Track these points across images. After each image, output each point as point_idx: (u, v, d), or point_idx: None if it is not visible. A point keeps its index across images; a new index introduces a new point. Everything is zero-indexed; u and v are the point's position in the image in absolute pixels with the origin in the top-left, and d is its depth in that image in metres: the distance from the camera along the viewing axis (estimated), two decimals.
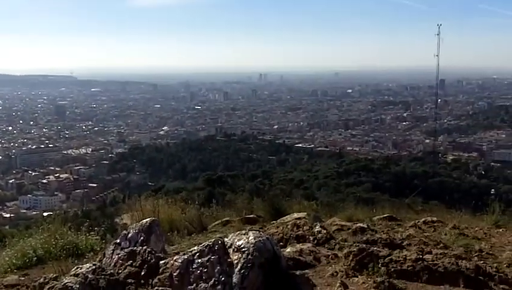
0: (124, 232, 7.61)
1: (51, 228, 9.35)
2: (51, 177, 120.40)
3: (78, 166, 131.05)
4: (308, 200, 14.31)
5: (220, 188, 64.99)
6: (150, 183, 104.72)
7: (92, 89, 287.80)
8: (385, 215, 10.45)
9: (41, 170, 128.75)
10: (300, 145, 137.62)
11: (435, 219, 9.66)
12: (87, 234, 9.63)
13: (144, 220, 7.74)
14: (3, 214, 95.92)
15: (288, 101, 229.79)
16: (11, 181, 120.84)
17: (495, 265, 6.61)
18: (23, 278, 7.13)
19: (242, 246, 6.13)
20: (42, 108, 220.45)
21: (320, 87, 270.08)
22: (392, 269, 6.40)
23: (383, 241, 7.45)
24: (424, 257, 6.59)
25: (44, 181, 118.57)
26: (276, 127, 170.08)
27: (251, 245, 6.08)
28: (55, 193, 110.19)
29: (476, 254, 7.19)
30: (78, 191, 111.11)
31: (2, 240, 11.32)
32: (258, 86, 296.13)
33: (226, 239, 6.41)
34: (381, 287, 5.98)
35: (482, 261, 6.76)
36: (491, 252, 7.37)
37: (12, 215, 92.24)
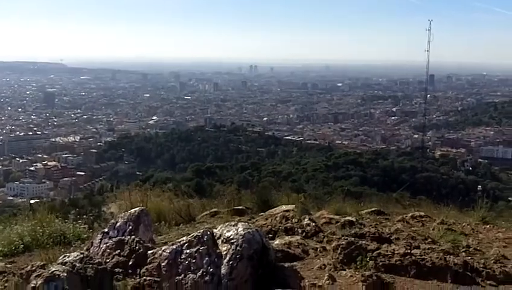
0: (112, 221, 7.58)
1: (38, 215, 9.28)
2: (39, 164, 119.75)
3: (66, 154, 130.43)
4: (296, 193, 14.27)
5: (209, 179, 65.14)
6: (138, 173, 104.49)
7: (82, 77, 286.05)
8: (373, 209, 10.46)
9: (29, 157, 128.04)
10: (289, 137, 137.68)
11: (422, 213, 9.68)
12: (75, 223, 9.57)
13: (133, 210, 7.70)
14: None
15: (278, 93, 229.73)
16: None
17: (482, 261, 6.64)
18: (9, 266, 7.08)
19: (231, 237, 6.11)
20: (31, 95, 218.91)
21: (310, 80, 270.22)
22: (380, 263, 6.41)
23: (371, 235, 7.46)
24: (412, 251, 6.61)
25: (32, 168, 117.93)
26: (265, 119, 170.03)
27: (240, 237, 6.07)
28: (43, 180, 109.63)
29: (464, 249, 7.22)
30: (66, 179, 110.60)
31: None
32: (248, 78, 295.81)
33: (215, 230, 6.39)
34: (369, 281, 5.99)
35: (469, 257, 6.79)
36: (478, 248, 7.40)
37: None
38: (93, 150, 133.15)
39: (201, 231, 6.36)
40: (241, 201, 12.18)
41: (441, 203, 11.78)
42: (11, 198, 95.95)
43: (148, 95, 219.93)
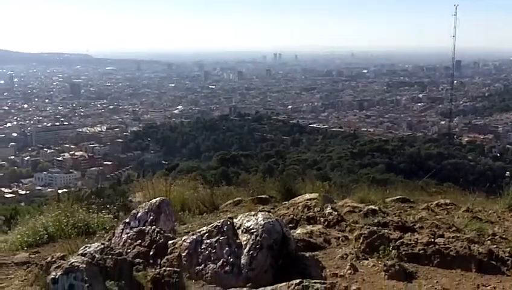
0: (134, 211, 7.61)
1: (62, 206, 9.35)
2: (66, 154, 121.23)
3: (92, 144, 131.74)
4: (321, 181, 14.19)
5: (234, 167, 65.25)
6: (164, 162, 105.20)
7: (107, 68, 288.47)
8: (398, 197, 10.34)
9: (57, 148, 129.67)
10: (314, 125, 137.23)
11: (448, 201, 9.54)
12: (99, 213, 9.62)
13: (154, 200, 7.72)
14: (19, 191, 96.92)
15: (302, 81, 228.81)
16: (26, 158, 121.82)
17: (508, 250, 6.51)
18: (33, 256, 7.15)
19: (251, 227, 6.08)
20: (57, 86, 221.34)
21: (335, 68, 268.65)
22: (403, 252, 6.33)
23: (394, 223, 7.37)
24: (436, 240, 6.51)
25: (60, 159, 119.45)
26: (290, 107, 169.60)
27: (260, 227, 6.03)
28: (70, 170, 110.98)
29: (489, 238, 7.08)
30: (93, 169, 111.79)
31: (15, 217, 11.37)
32: (273, 66, 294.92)
33: (235, 220, 6.37)
34: (392, 270, 5.92)
35: (495, 246, 6.66)
36: (504, 236, 7.25)
37: (27, 192, 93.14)
38: (120, 140, 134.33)
39: (221, 221, 6.34)
40: (265, 190, 12.17)
41: (468, 190, 11.61)
42: (40, 188, 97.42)
43: (172, 84, 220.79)
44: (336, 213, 8.18)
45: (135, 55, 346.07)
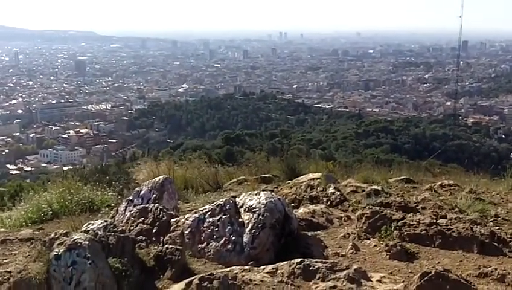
0: (137, 189, 7.63)
1: (66, 183, 9.37)
2: (71, 132, 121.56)
3: (97, 121, 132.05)
4: (325, 161, 14.19)
5: (238, 146, 65.18)
6: (168, 141, 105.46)
7: (112, 45, 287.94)
8: (402, 178, 10.33)
9: (62, 125, 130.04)
10: (319, 105, 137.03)
11: (451, 182, 9.52)
12: (103, 190, 9.64)
13: (157, 178, 7.74)
14: (24, 167, 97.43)
15: (308, 60, 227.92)
16: (31, 135, 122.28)
17: (510, 231, 6.51)
18: (37, 233, 7.18)
19: (253, 206, 6.10)
20: (62, 63, 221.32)
21: (341, 47, 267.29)
22: (405, 233, 6.34)
23: (397, 204, 7.37)
24: (438, 221, 6.52)
25: (65, 136, 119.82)
26: (295, 86, 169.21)
27: (262, 206, 6.05)
28: (76, 147, 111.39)
29: (492, 219, 7.08)
30: (98, 146, 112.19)
31: (19, 194, 11.41)
32: (278, 45, 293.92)
33: (237, 199, 6.39)
34: (393, 250, 5.94)
35: (497, 227, 6.66)
36: (507, 217, 7.24)
37: (33, 168, 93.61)
38: (125, 118, 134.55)
39: (224, 199, 6.37)
40: (269, 169, 12.17)
41: (472, 171, 11.61)
42: (45, 165, 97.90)
43: (177, 63, 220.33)
44: (338, 193, 8.19)
45: (140, 33, 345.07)
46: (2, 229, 7.71)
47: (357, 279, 4.95)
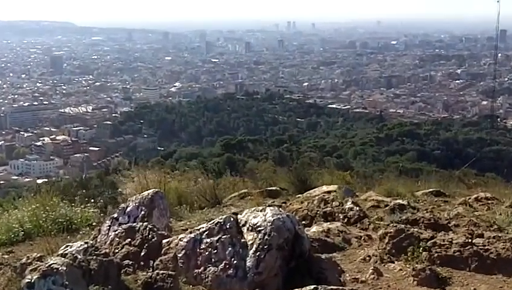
0: (123, 205, 7.63)
1: (41, 198, 9.36)
2: (46, 139, 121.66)
3: (77, 126, 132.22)
4: (341, 171, 14.24)
5: (240, 154, 65.11)
6: (159, 148, 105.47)
7: (93, 38, 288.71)
8: (431, 190, 10.35)
9: (35, 131, 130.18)
10: (334, 106, 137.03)
11: (489, 195, 9.52)
12: (83, 206, 9.64)
13: (146, 192, 7.74)
14: None
15: (320, 53, 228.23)
16: (0, 143, 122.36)
17: None
18: (7, 256, 7.20)
19: (258, 224, 6.08)
20: (36, 59, 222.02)
21: (359, 38, 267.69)
22: (435, 255, 6.33)
23: (425, 221, 7.37)
24: (473, 241, 6.51)
25: (39, 143, 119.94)
26: (306, 84, 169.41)
27: (268, 224, 6.03)
28: (51, 157, 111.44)
29: None
30: (77, 155, 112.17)
31: None
32: (286, 36, 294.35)
33: (240, 216, 6.37)
34: (422, 275, 5.92)
35: None
36: None
37: (1, 182, 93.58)
38: (108, 122, 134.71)
39: (224, 217, 6.35)
40: (275, 181, 12.21)
41: None
42: (16, 177, 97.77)
43: (169, 58, 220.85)
44: (357, 208, 8.19)
45: (126, 24, 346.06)
46: None
47: None
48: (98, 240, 6.94)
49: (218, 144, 79.84)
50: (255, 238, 5.99)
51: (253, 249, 5.94)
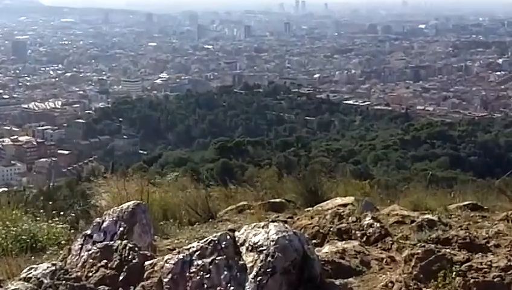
0: (98, 220, 7.63)
1: (0, 211, 9.39)
2: (6, 140, 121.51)
3: (43, 126, 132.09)
4: (359, 180, 14.26)
5: (238, 159, 65.28)
6: (141, 152, 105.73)
7: (63, 20, 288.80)
8: (466, 203, 10.35)
9: None
10: (350, 102, 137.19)
11: None
12: (51, 221, 9.65)
13: (125, 204, 7.74)
14: None
15: (335, 39, 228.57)
16: None
17: None
18: None
19: (259, 243, 6.09)
20: None
21: (380, 21, 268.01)
22: (471, 280, 6.32)
23: (460, 240, 7.36)
24: None
25: None
26: (317, 76, 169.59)
27: (272, 243, 6.04)
28: (12, 161, 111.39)
29: None
30: (43, 160, 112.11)
31: None
32: (293, 18, 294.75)
33: (237, 233, 6.38)
34: None
35: None
36: None
37: None
38: (80, 120, 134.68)
39: (219, 234, 6.35)
40: (280, 191, 12.22)
41: None
42: None
43: (154, 43, 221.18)
44: (378, 225, 8.20)
45: (102, 3, 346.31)
46: None
47: None
48: (68, 262, 6.94)
49: (211, 147, 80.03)
50: (256, 260, 6.00)
51: (254, 272, 5.95)
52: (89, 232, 7.47)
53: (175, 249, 6.88)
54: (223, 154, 66.59)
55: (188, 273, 6.15)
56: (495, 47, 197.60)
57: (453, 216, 9.33)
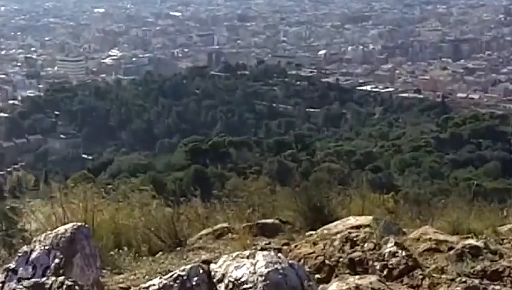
0: (25, 249, 7.62)
1: None
2: None
3: None
4: (379, 193, 14.26)
5: (216, 166, 65.38)
6: (85, 156, 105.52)
7: None
8: None
9: None
10: (368, 87, 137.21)
11: None
12: None
13: (62, 228, 7.73)
14: None
15: (346, 3, 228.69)
16: None
17: None
18: None
19: (243, 279, 6.10)
20: None
21: None
22: None
23: None
24: None
25: None
26: (323, 53, 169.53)
27: (260, 278, 6.06)
28: None
29: None
30: None
31: None
32: None
33: (213, 266, 6.39)
34: None
35: None
36: None
37: None
38: (2, 114, 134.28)
39: (188, 267, 6.36)
40: (274, 209, 12.22)
41: None
42: None
43: (101, 10, 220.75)
44: (404, 254, 8.21)
45: None
46: None
47: None
48: None
49: (180, 150, 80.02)
50: None
51: None
52: (12, 265, 7.46)
53: (130, 288, 6.88)
54: (195, 160, 66.72)
55: None
56: None
57: (505, 241, 9.35)
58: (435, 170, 73.52)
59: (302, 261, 8.00)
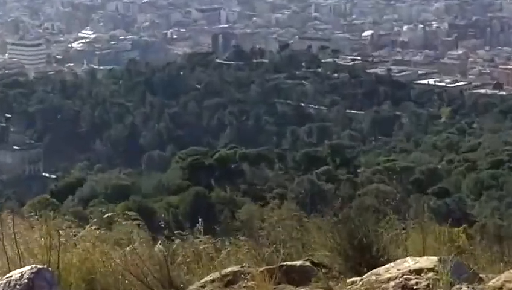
0: None
1: None
2: None
3: None
4: (447, 225, 14.25)
5: (224, 188, 65.38)
6: (46, 175, 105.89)
7: None
8: None
9: None
10: (431, 81, 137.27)
11: None
12: None
13: (18, 271, 7.74)
14: None
15: None
16: None
17: None
18: None
19: None
20: None
21: None
22: None
23: None
24: None
25: None
26: (368, 34, 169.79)
27: None
28: None
29: None
30: None
31: None
32: None
33: None
34: None
35: None
36: None
37: None
38: None
39: None
40: (303, 247, 12.22)
41: None
42: None
43: None
44: None
45: None
46: None
47: None
48: None
49: (175, 166, 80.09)
50: None
51: None
52: None
53: None
54: (195, 179, 66.80)
55: None
56: None
57: None
58: None
59: None
